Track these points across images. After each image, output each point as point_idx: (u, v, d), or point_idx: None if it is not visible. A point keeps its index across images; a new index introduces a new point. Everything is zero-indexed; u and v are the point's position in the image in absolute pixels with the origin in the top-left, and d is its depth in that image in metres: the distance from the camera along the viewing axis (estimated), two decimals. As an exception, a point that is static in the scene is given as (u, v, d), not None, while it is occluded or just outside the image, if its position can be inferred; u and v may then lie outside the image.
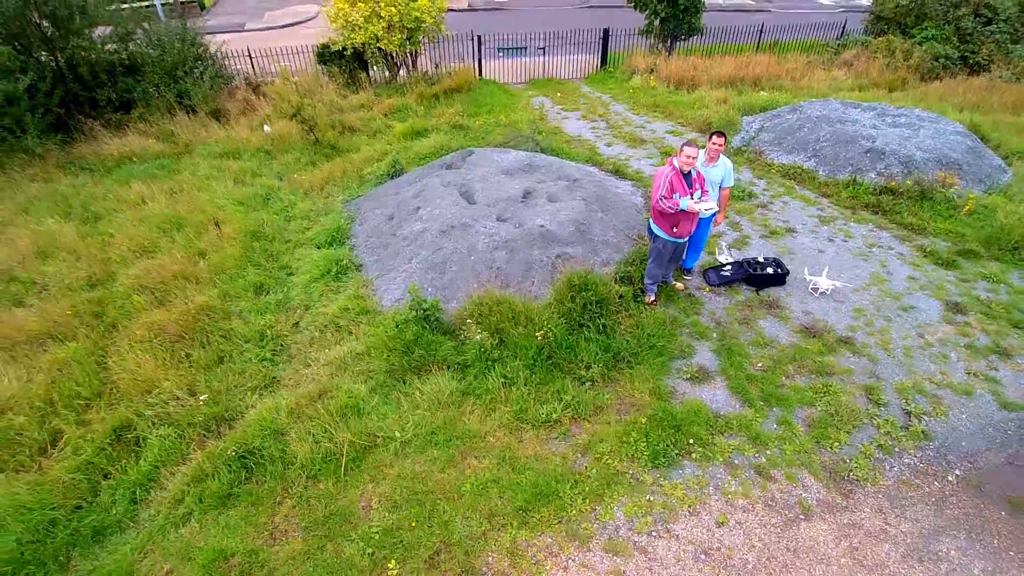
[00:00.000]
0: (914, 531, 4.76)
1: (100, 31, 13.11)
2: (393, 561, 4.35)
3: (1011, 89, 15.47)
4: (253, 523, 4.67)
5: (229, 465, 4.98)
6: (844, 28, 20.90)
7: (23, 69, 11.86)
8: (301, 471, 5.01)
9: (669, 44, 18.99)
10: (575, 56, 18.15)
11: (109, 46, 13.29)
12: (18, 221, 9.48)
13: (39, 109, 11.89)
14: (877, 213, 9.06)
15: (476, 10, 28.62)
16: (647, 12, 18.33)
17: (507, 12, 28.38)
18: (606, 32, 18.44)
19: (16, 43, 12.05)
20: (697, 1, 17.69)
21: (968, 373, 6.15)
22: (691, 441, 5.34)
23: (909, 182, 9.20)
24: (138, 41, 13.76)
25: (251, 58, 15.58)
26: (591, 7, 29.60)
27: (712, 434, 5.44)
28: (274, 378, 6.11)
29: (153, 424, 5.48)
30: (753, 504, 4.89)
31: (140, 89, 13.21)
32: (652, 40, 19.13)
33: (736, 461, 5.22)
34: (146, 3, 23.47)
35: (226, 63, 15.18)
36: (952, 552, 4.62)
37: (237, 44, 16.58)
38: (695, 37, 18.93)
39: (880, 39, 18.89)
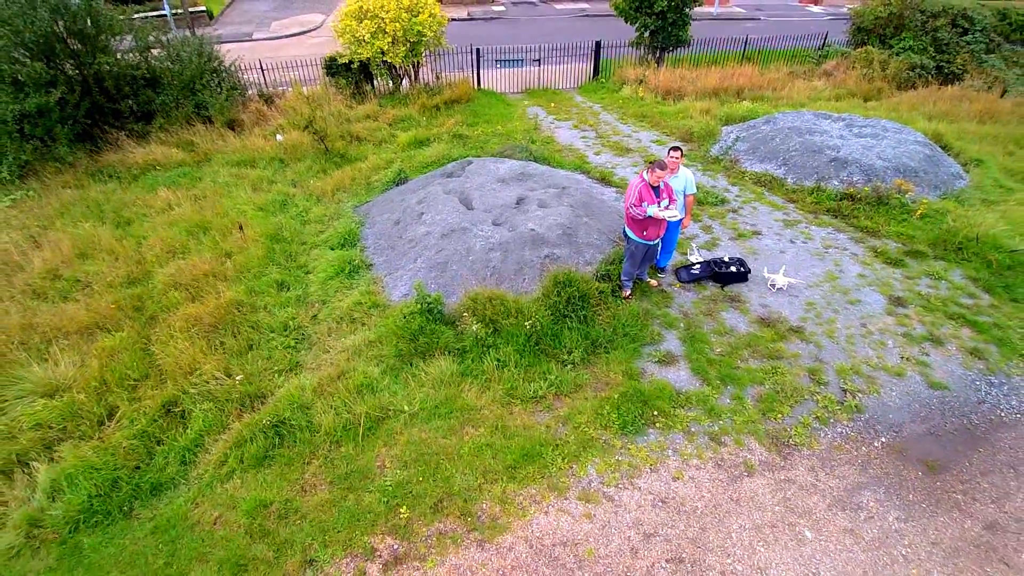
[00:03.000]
0: (840, 486, 5.68)
1: (120, 41, 14.02)
2: (404, 507, 5.29)
3: (980, 98, 16.41)
4: (287, 479, 5.60)
5: (264, 432, 5.91)
6: (826, 39, 21.85)
7: (54, 83, 12.76)
8: (325, 437, 5.94)
9: (658, 55, 19.93)
10: (569, 66, 19.10)
11: (130, 56, 14.22)
12: (56, 225, 10.40)
13: (68, 120, 12.81)
14: (837, 217, 10.00)
15: (475, 19, 29.58)
16: (637, 24, 19.28)
17: (505, 21, 29.34)
18: (598, 44, 19.39)
19: (47, 59, 12.97)
20: (684, 15, 18.64)
21: (902, 358, 7.08)
22: (656, 413, 6.27)
23: (867, 189, 10.14)
24: (158, 55, 14.70)
25: (263, 70, 16.52)
26: (587, 16, 30.56)
27: (674, 407, 6.37)
28: (298, 363, 7.04)
29: (196, 400, 6.40)
30: (705, 463, 5.81)
31: (160, 101, 14.14)
32: (642, 51, 20.08)
33: (693, 429, 6.15)
34: (157, 13, 24.46)
35: (240, 75, 16.13)
36: (871, 503, 5.54)
37: (245, 53, 17.52)
38: (683, 48, 19.88)
39: (859, 49, 19.85)
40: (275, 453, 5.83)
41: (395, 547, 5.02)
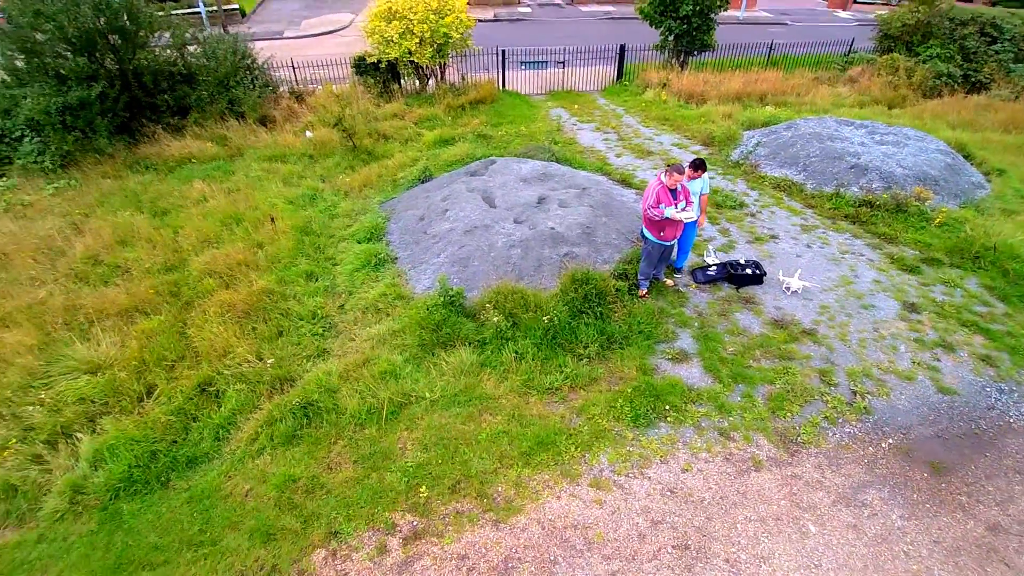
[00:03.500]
0: (846, 484, 5.85)
1: (158, 38, 14.55)
2: (424, 487, 5.57)
3: (1006, 108, 16.31)
4: (314, 457, 5.92)
5: (293, 413, 6.24)
6: (852, 45, 21.78)
7: (95, 77, 13.29)
8: (350, 420, 6.25)
9: (682, 59, 20.05)
10: (593, 68, 19.31)
11: (168, 52, 14.74)
12: (96, 213, 10.87)
13: (108, 113, 13.33)
14: (855, 223, 10.10)
15: (500, 21, 29.89)
16: (662, 28, 19.42)
17: (530, 23, 29.58)
18: (623, 47, 19.56)
19: (89, 54, 13.49)
20: (709, 20, 18.74)
21: (913, 362, 7.20)
22: (667, 408, 6.49)
23: (886, 196, 10.23)
24: (193, 51, 15.21)
25: (294, 68, 16.98)
26: (612, 19, 30.69)
27: (685, 403, 6.57)
28: (325, 349, 7.37)
29: (230, 381, 6.76)
30: (714, 457, 6.02)
31: (195, 96, 14.62)
32: (666, 55, 20.21)
33: (703, 424, 6.35)
34: (192, 11, 25.13)
35: (271, 73, 16.60)
36: (876, 501, 5.70)
37: (276, 51, 18.00)
38: (707, 52, 19.97)
39: (885, 56, 19.77)
40: (303, 433, 6.16)
41: (414, 523, 5.31)
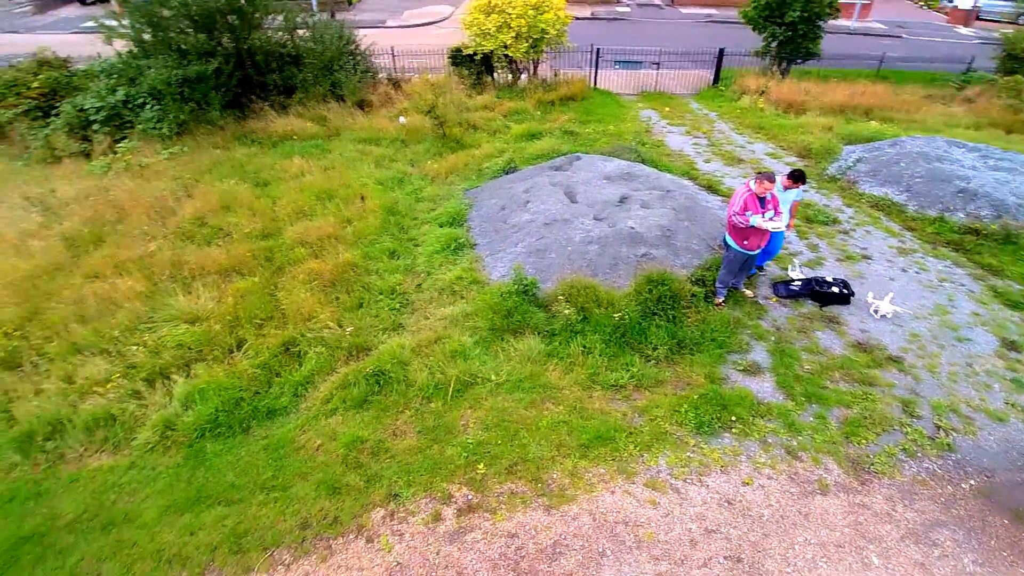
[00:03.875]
0: (917, 520, 5.55)
1: (272, 21, 15.47)
2: (482, 464, 5.75)
3: None
4: (381, 422, 6.21)
5: (366, 379, 6.57)
6: (971, 64, 20.26)
7: (212, 53, 14.27)
8: (418, 392, 6.52)
9: (784, 67, 19.32)
10: (688, 71, 18.93)
11: (279, 35, 15.66)
12: (204, 179, 11.72)
13: (221, 88, 14.31)
14: (957, 251, 9.47)
15: (598, 19, 29.74)
16: (765, 34, 18.78)
17: (627, 23, 29.28)
18: (721, 51, 19.07)
19: (209, 32, 14.49)
20: (816, 27, 17.96)
21: (1007, 403, 6.71)
22: (733, 419, 6.36)
23: (995, 225, 9.52)
24: (302, 35, 16.07)
25: (393, 56, 17.63)
26: (712, 22, 29.90)
27: (753, 416, 6.42)
28: (400, 324, 7.68)
29: (311, 343, 7.18)
30: (778, 475, 5.86)
31: (301, 77, 15.45)
32: (767, 61, 19.53)
33: (770, 440, 6.19)
34: (304, -3, 26.46)
35: (372, 59, 17.29)
36: (948, 542, 5.39)
37: (378, 39, 18.71)
38: (811, 61, 19.14)
39: (1008, 78, 18.28)
40: (373, 399, 6.47)
41: (469, 497, 5.48)
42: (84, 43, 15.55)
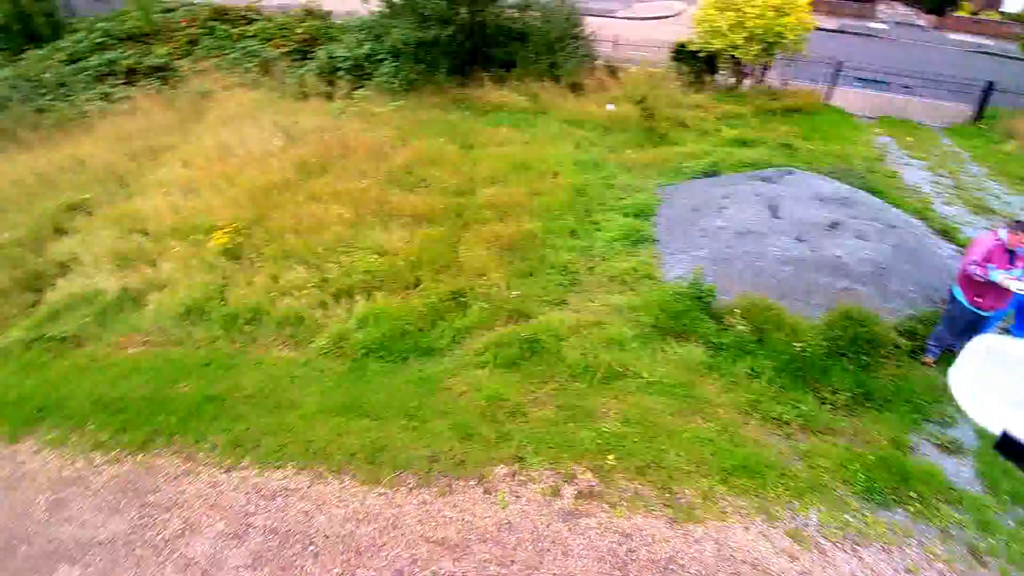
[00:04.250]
0: None
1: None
2: (613, 456, 5.55)
3: None
4: (524, 388, 6.27)
5: (520, 343, 6.67)
6: None
7: (449, 21, 15.29)
8: (566, 369, 6.46)
9: (1078, 114, 15.91)
10: (943, 103, 16.40)
11: (511, 12, 16.35)
12: (418, 134, 12.67)
13: (451, 54, 15.35)
14: None
15: (845, 32, 26.95)
16: (1062, 72, 15.60)
17: (880, 41, 26.17)
18: (990, 85, 16.22)
19: (450, 0, 15.50)
20: None
21: None
22: (913, 495, 5.42)
23: None
24: (531, 14, 16.62)
25: (615, 44, 17.54)
26: (983, 53, 25.59)
27: (938, 500, 5.41)
28: (564, 300, 7.66)
29: (477, 298, 7.47)
30: (951, 571, 4.90)
31: (523, 55, 16.02)
32: (1055, 105, 16.22)
33: (952, 532, 5.18)
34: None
35: (593, 45, 17.36)
36: None
37: (604, 27, 18.74)
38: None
39: None
40: (522, 363, 6.55)
41: (592, 484, 5.33)
42: (338, 1, 17.60)
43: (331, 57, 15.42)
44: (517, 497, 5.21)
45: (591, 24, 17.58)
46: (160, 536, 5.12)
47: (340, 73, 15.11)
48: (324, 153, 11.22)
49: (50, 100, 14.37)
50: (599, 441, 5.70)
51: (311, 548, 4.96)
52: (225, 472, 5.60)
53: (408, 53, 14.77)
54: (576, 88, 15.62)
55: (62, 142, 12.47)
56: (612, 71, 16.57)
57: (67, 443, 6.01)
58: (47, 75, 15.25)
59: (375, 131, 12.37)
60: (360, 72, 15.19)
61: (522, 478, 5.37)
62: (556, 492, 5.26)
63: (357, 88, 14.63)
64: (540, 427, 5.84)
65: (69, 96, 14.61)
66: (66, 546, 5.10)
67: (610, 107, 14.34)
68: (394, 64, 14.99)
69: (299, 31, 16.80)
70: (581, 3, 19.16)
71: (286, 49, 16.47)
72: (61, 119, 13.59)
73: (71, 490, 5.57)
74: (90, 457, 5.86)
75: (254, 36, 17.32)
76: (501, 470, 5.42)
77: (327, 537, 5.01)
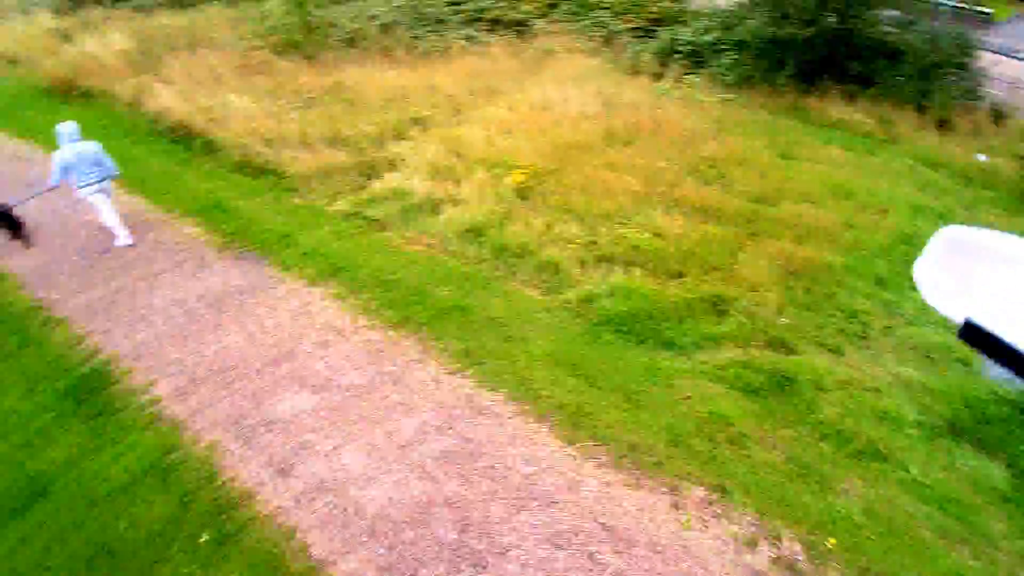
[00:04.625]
0: None
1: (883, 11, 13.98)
2: (835, 540, 4.59)
3: None
4: (757, 422, 5.52)
5: (771, 375, 5.90)
6: None
7: (812, 23, 13.75)
8: (816, 423, 5.50)
9: None
10: None
11: (886, 27, 14.11)
12: (734, 131, 11.78)
13: (800, 57, 13.83)
14: None
15: None
16: None
17: None
18: None
19: (820, 1, 13.87)
20: None
21: None
22: None
23: None
24: (917, 29, 14.11)
25: (1013, 87, 14.08)
26: None
27: None
28: (841, 351, 6.42)
29: (740, 311, 6.78)
30: None
31: (889, 73, 13.75)
32: None
33: None
34: (942, 1, 23.10)
35: (982, 82, 14.14)
36: None
37: (1002, 66, 15.19)
38: None
39: None
40: (766, 396, 5.78)
41: (798, 558, 4.47)
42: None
43: (674, 39, 15.21)
44: (705, 527, 4.66)
45: (985, 58, 14.37)
46: (384, 401, 5.80)
47: (676, 56, 14.84)
48: (634, 127, 11.21)
49: (427, 31, 16.86)
50: (825, 517, 4.77)
51: (492, 470, 5.13)
52: (448, 374, 6.10)
53: (754, 47, 13.79)
54: (944, 125, 12.98)
55: (424, 67, 14.59)
56: (998, 116, 13.38)
57: (345, 300, 7.15)
58: (430, 10, 17.87)
59: (692, 118, 11.93)
60: (697, 58, 14.72)
61: (717, 510, 4.77)
62: (752, 544, 4.56)
63: (689, 74, 14.24)
64: (760, 470, 5.10)
65: (441, 32, 16.94)
66: (316, 377, 6.11)
67: (982, 157, 11.62)
68: (735, 56, 14.15)
69: (653, 10, 16.89)
70: (983, 34, 15.83)
71: (633, 25, 16.72)
72: (429, 49, 15.91)
73: (333, 337, 6.62)
74: (356, 317, 6.89)
75: (608, 8, 17.92)
76: (698, 492, 4.89)
77: (508, 468, 5.12)
